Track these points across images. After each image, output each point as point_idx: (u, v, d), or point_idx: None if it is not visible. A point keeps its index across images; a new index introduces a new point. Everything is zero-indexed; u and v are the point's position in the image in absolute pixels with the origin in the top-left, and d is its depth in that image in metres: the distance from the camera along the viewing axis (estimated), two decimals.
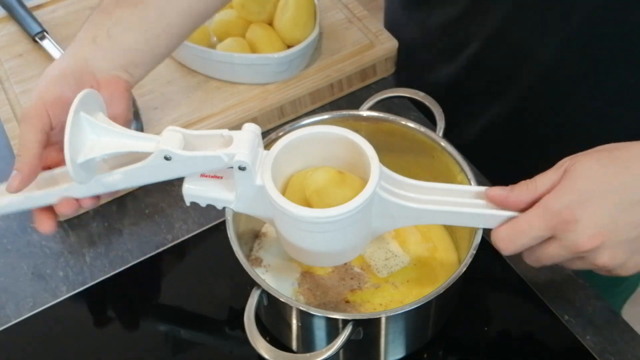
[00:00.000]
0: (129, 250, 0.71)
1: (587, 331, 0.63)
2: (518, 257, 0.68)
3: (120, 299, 0.67)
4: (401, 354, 0.60)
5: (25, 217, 0.73)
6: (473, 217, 0.54)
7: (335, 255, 0.57)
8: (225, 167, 0.52)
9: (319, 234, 0.53)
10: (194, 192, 0.56)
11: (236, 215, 0.58)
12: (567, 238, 0.50)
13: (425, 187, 0.55)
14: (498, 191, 0.53)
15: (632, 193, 0.50)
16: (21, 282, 0.68)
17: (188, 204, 0.57)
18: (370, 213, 0.53)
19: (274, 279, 0.64)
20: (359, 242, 0.57)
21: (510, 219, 0.52)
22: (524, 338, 0.64)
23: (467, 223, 0.55)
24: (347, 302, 0.62)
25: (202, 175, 0.56)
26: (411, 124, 0.63)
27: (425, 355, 0.62)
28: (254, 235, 0.67)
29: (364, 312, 0.61)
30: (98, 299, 0.67)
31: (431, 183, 0.55)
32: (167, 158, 0.52)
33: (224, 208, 0.57)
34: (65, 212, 0.56)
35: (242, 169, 0.52)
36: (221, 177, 0.56)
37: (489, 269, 0.68)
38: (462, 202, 0.54)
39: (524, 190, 0.52)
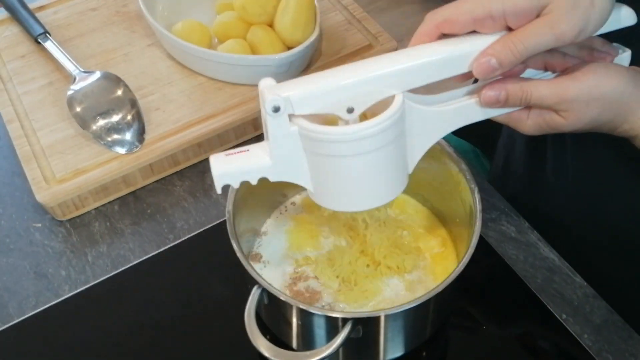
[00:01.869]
0: (130, 250, 0.71)
1: (584, 330, 0.63)
2: (517, 257, 0.69)
3: (122, 298, 0.68)
4: (400, 352, 0.60)
5: (28, 217, 0.74)
6: None
7: (376, 191, 0.54)
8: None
9: (358, 159, 0.51)
10: (225, 170, 0.53)
11: (236, 214, 0.58)
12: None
13: (444, 95, 0.55)
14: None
15: None
16: (23, 281, 0.69)
17: (219, 190, 0.53)
18: (405, 132, 0.52)
19: (274, 278, 0.64)
20: (396, 174, 0.55)
21: None
22: (521, 337, 0.64)
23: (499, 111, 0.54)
24: None
25: (228, 154, 0.54)
26: None
27: (424, 354, 0.63)
28: (254, 235, 0.68)
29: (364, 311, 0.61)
30: (100, 298, 0.68)
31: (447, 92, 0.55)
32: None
33: (223, 209, 0.57)
34: None
35: (276, 110, 0.49)
36: (248, 150, 0.54)
37: (487, 269, 0.68)
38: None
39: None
